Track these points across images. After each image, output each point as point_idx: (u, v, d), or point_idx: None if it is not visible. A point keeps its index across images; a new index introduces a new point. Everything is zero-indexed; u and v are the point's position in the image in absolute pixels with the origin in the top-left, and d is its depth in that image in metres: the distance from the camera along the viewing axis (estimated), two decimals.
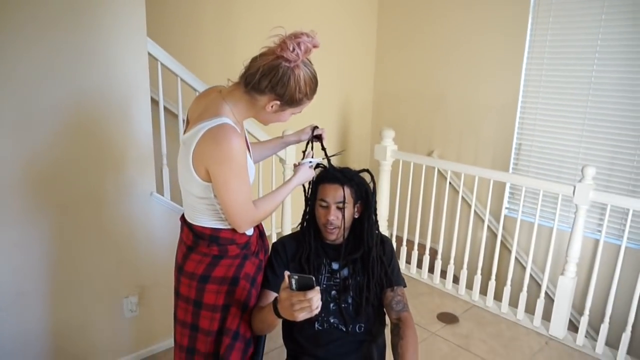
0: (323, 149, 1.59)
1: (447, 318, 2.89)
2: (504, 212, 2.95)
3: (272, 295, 1.43)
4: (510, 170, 3.63)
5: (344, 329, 1.45)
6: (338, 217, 1.45)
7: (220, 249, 1.36)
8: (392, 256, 1.55)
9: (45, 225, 1.95)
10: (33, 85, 1.81)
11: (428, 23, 4.03)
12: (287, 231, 2.84)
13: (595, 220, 3.20)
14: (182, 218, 1.45)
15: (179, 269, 1.41)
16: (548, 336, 2.71)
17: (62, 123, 1.91)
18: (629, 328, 2.45)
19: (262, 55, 1.25)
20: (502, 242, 3.10)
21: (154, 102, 2.27)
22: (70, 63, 1.88)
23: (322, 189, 1.48)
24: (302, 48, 1.21)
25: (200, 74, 2.43)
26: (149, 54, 2.13)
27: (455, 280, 3.23)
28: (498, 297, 3.00)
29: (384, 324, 1.56)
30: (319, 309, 1.12)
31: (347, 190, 1.45)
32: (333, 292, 1.47)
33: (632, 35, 2.96)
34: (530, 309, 2.87)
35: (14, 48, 1.74)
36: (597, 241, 2.68)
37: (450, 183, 3.44)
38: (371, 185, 1.54)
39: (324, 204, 1.46)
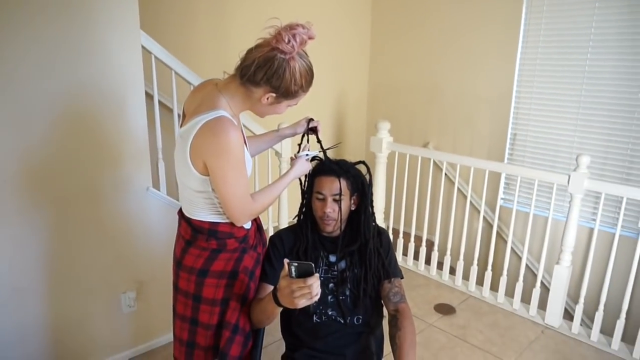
0: (318, 141, 1.58)
1: (444, 309, 2.90)
2: (499, 202, 2.96)
3: (270, 288, 1.42)
4: (506, 161, 3.64)
5: (342, 321, 1.45)
6: (335, 209, 1.45)
7: (219, 243, 1.35)
8: (389, 248, 1.55)
9: (42, 220, 1.94)
10: (26, 80, 1.79)
11: (422, 14, 4.01)
12: (284, 224, 2.84)
13: (590, 209, 3.22)
14: (180, 212, 1.44)
15: (178, 264, 1.41)
16: (544, 325, 2.74)
17: (56, 118, 1.89)
18: (623, 315, 2.48)
19: (257, 46, 1.24)
20: (497, 232, 3.11)
21: (149, 96, 2.26)
22: (63, 57, 1.86)
23: (318, 181, 1.47)
24: (298, 40, 1.19)
25: (195, 68, 2.42)
26: (143, 47, 2.11)
27: (452, 271, 3.26)
28: (494, 287, 3.03)
29: (381, 316, 1.56)
30: (319, 296, 1.13)
31: (344, 183, 1.45)
32: (331, 285, 1.48)
33: (626, 23, 2.96)
34: (526, 299, 2.90)
35: (7, 44, 1.72)
36: (591, 230, 2.70)
37: (446, 174, 3.45)
38: (367, 177, 1.54)
39: (320, 196, 1.46)
